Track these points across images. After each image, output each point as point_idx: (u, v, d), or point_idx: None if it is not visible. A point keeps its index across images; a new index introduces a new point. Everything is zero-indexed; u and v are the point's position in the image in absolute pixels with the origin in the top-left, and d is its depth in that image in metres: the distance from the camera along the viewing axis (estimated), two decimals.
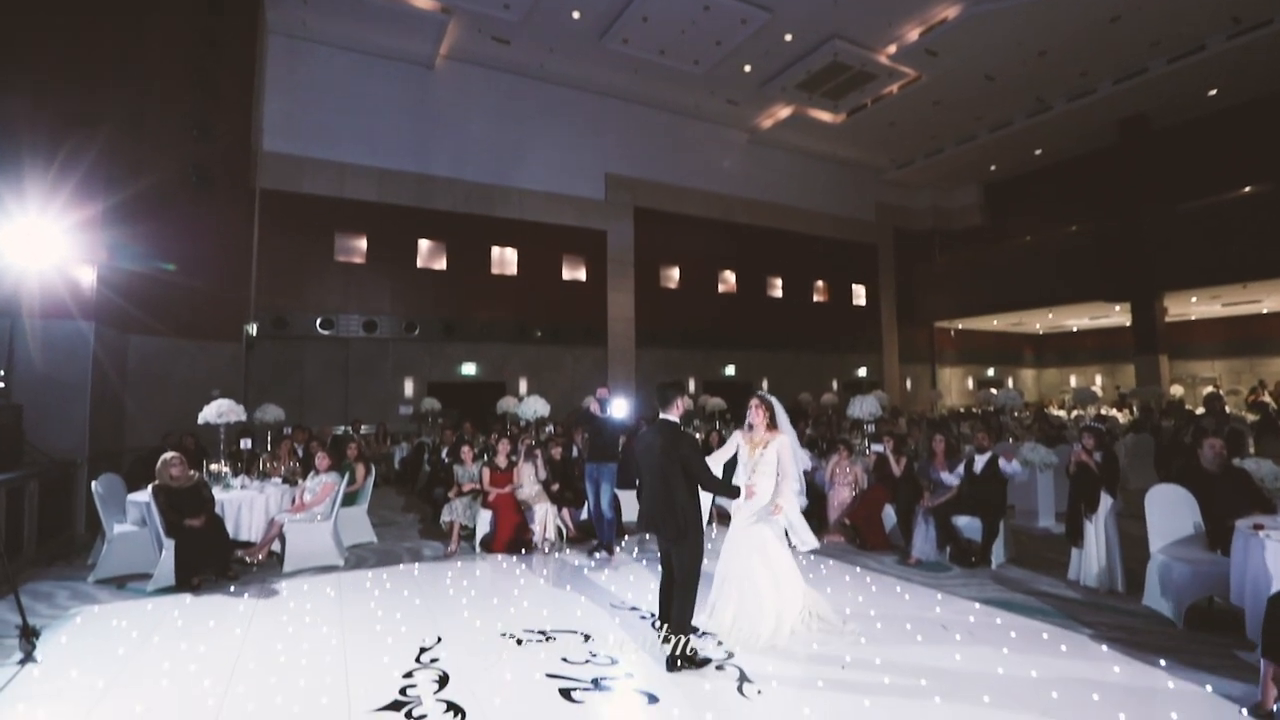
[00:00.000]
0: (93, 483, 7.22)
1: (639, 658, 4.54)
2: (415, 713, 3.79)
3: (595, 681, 4.17)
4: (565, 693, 4.03)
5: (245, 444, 8.47)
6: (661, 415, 4.59)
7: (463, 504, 7.91)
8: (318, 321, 15.63)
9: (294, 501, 7.60)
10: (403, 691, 4.06)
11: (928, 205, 26.61)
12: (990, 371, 28.43)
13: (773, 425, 5.12)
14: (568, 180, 18.67)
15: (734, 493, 4.79)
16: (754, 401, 5.24)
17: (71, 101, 9.74)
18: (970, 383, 27.63)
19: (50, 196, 9.11)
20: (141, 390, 11.27)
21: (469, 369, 17.29)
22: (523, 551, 7.53)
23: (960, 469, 7.09)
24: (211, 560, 6.64)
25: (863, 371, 24.46)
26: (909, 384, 25.64)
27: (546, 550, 7.64)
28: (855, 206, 24.69)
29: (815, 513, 8.30)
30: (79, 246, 9.51)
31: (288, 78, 15.64)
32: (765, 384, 21.38)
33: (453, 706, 3.86)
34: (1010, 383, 28.21)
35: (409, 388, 16.63)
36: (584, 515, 8.04)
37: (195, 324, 12.32)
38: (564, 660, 4.49)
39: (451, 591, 6.09)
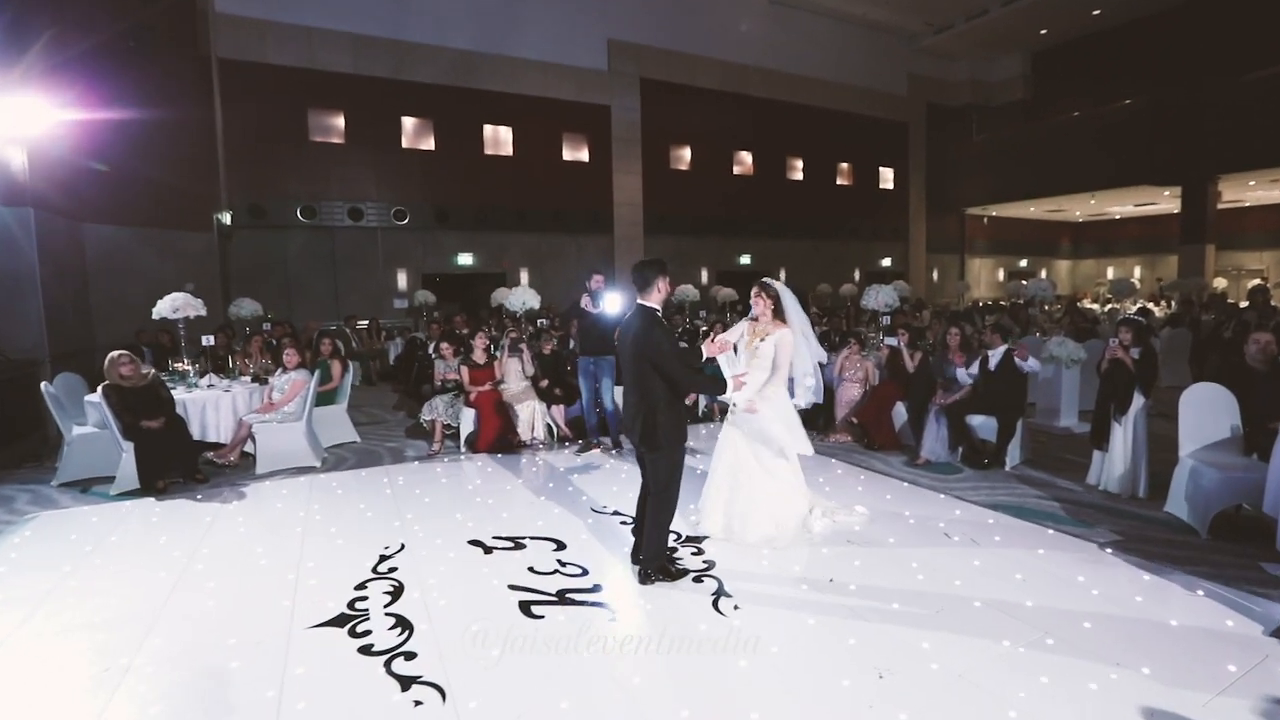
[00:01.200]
0: (43, 384, 6.73)
1: (611, 569, 4.13)
2: (359, 628, 3.45)
3: (560, 594, 3.80)
4: (525, 606, 3.65)
5: (207, 340, 7.96)
6: (639, 301, 3.90)
7: (444, 402, 7.37)
8: (298, 209, 14.79)
9: (264, 401, 7.12)
10: (351, 605, 3.71)
11: (965, 78, 24.37)
12: (1023, 263, 27.05)
13: (779, 316, 4.56)
14: (566, 49, 17.04)
15: (718, 388, 4.12)
16: (755, 289, 4.63)
17: None
18: (1001, 274, 26.35)
19: None
20: (106, 284, 10.64)
21: (465, 259, 16.50)
22: (510, 452, 7.04)
23: (975, 366, 6.37)
24: (175, 463, 6.27)
25: (887, 261, 23.25)
26: (935, 275, 24.45)
27: (536, 450, 7.14)
28: (885, 78, 22.58)
29: (823, 410, 7.70)
30: (5, 121, 8.66)
31: None
32: (783, 274, 20.34)
33: (401, 621, 3.51)
34: (1043, 274, 26.86)
35: (402, 280, 15.94)
36: (578, 413, 7.50)
37: (157, 212, 11.50)
38: (530, 570, 4.09)
39: (425, 496, 5.62)
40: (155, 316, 7.60)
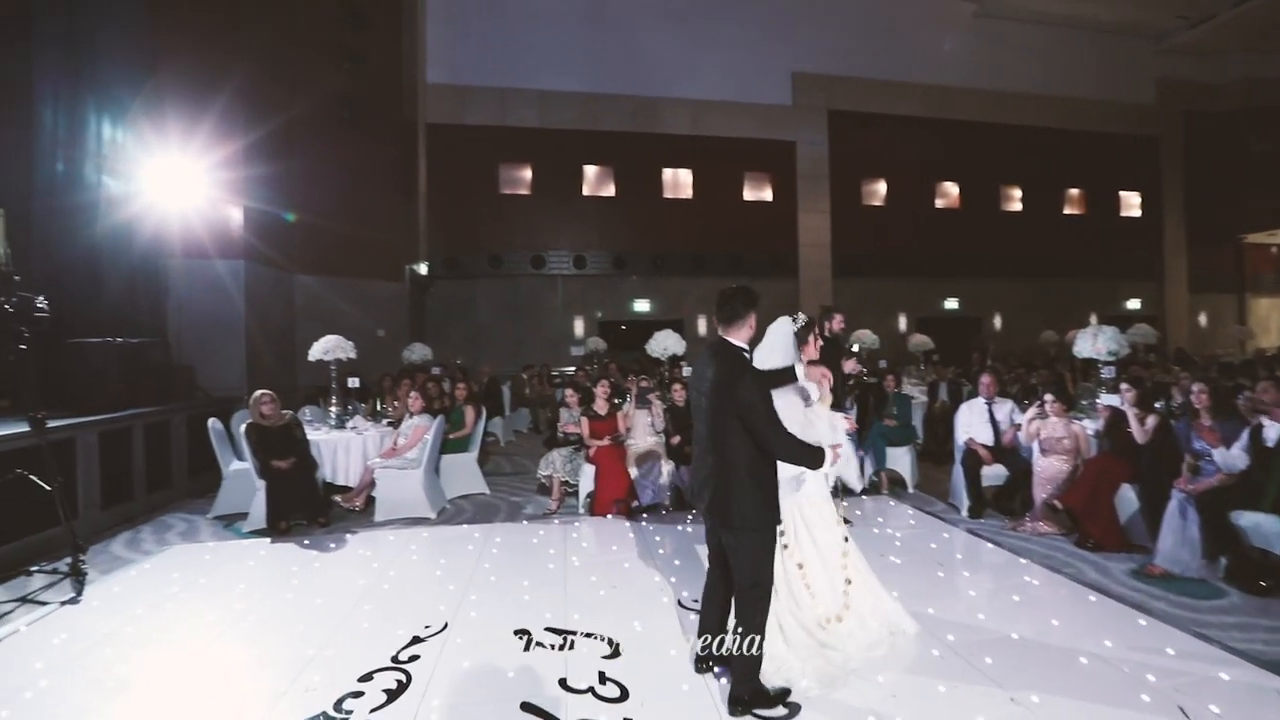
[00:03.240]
0: (210, 420, 7.14)
1: (661, 696, 3.14)
2: None
3: None
4: None
5: (353, 383, 8.15)
6: (721, 336, 3.04)
7: (562, 456, 6.77)
8: (486, 259, 15.48)
9: (391, 446, 7.02)
10: (339, 704, 3.13)
11: (1237, 77, 19.95)
12: None
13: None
14: (748, 86, 16.42)
15: (816, 458, 3.02)
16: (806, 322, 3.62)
17: (217, 38, 9.81)
18: None
19: (197, 136, 9.26)
20: (308, 329, 11.46)
21: (642, 305, 16.23)
22: (629, 517, 6.23)
23: (1244, 439, 4.50)
24: (300, 504, 6.33)
25: (1135, 304, 19.52)
26: (1204, 319, 20.15)
27: (658, 517, 6.26)
28: (1126, 87, 19.27)
29: (1018, 489, 6.07)
30: (226, 185, 9.67)
31: (447, 4, 15.24)
32: (998, 319, 17.83)
33: None
34: None
35: (580, 327, 16.01)
36: None
37: (355, 263, 12.43)
38: (560, 683, 3.24)
39: (506, 563, 5.01)
40: (310, 359, 7.90)
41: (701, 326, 16.09)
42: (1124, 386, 5.46)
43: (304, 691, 3.18)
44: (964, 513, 6.14)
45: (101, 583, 4.82)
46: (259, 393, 6.57)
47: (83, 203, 8.36)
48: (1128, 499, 5.25)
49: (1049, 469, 5.62)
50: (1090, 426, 5.93)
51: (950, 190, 18.08)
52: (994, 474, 6.24)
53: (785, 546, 3.39)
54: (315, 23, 12.03)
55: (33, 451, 5.02)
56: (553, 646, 3.61)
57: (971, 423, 6.38)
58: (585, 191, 16.10)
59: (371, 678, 3.33)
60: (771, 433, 2.84)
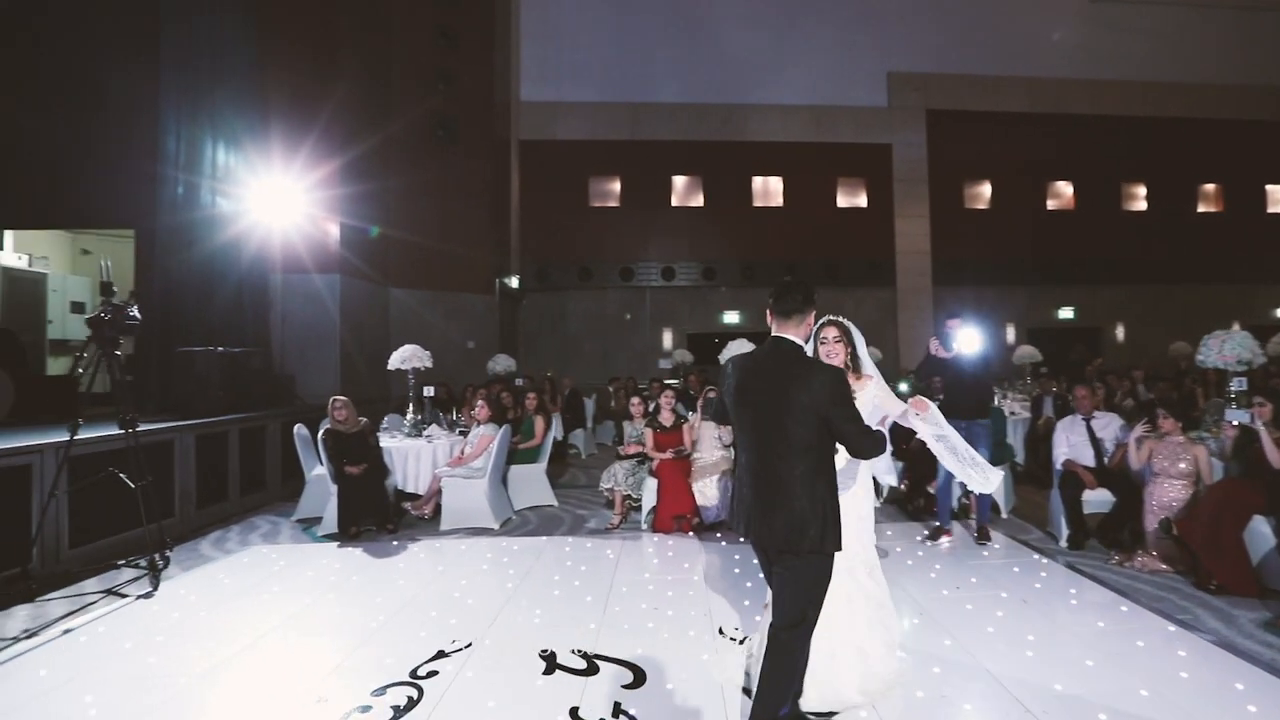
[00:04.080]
0: (296, 426, 7.43)
1: None
2: None
3: None
4: None
5: (428, 392, 8.31)
6: (776, 332, 2.68)
7: (624, 469, 6.60)
8: (576, 272, 15.62)
9: (459, 455, 7.09)
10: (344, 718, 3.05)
11: None
12: None
13: (855, 367, 3.36)
14: (840, 88, 15.91)
15: (883, 445, 2.63)
16: (824, 326, 3.34)
17: (317, 65, 10.34)
18: None
19: (298, 158, 9.80)
20: (402, 340, 11.88)
21: (731, 317, 15.94)
22: (694, 535, 5.98)
23: None
24: (370, 510, 6.45)
25: None
26: None
27: (717, 536, 5.93)
28: (1271, 67, 17.25)
29: (1125, 516, 5.39)
30: (324, 203, 10.17)
31: (540, 23, 15.57)
32: (1119, 330, 16.32)
33: None
34: None
35: (668, 339, 15.87)
36: None
37: (447, 276, 12.81)
38: (571, 713, 3.03)
39: (548, 579, 4.86)
40: (389, 368, 8.11)
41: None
42: (1257, 401, 4.75)
43: (316, 703, 3.12)
44: (1063, 542, 5.51)
45: (178, 579, 5.03)
46: (334, 398, 6.76)
47: (197, 222, 9.00)
48: (1260, 534, 4.54)
49: (1163, 496, 4.96)
50: (1215, 447, 5.20)
51: (1063, 190, 16.78)
52: (1099, 500, 5.57)
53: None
54: (410, 46, 12.57)
55: (129, 452, 5.34)
56: (574, 671, 3.40)
57: (1070, 442, 5.75)
58: (674, 202, 16.02)
59: (385, 692, 3.24)
60: (857, 429, 2.51)
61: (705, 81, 15.68)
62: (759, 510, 2.57)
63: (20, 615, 4.30)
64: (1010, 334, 16.02)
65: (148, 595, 4.64)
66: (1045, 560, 5.14)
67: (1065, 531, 5.52)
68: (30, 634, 3.99)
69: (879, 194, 16.12)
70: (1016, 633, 3.81)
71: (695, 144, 15.74)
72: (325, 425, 6.69)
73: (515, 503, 7.22)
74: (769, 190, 16.04)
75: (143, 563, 4.94)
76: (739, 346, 8.35)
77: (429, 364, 8.05)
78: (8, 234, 10.52)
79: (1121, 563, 4.98)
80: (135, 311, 5.37)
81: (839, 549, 2.55)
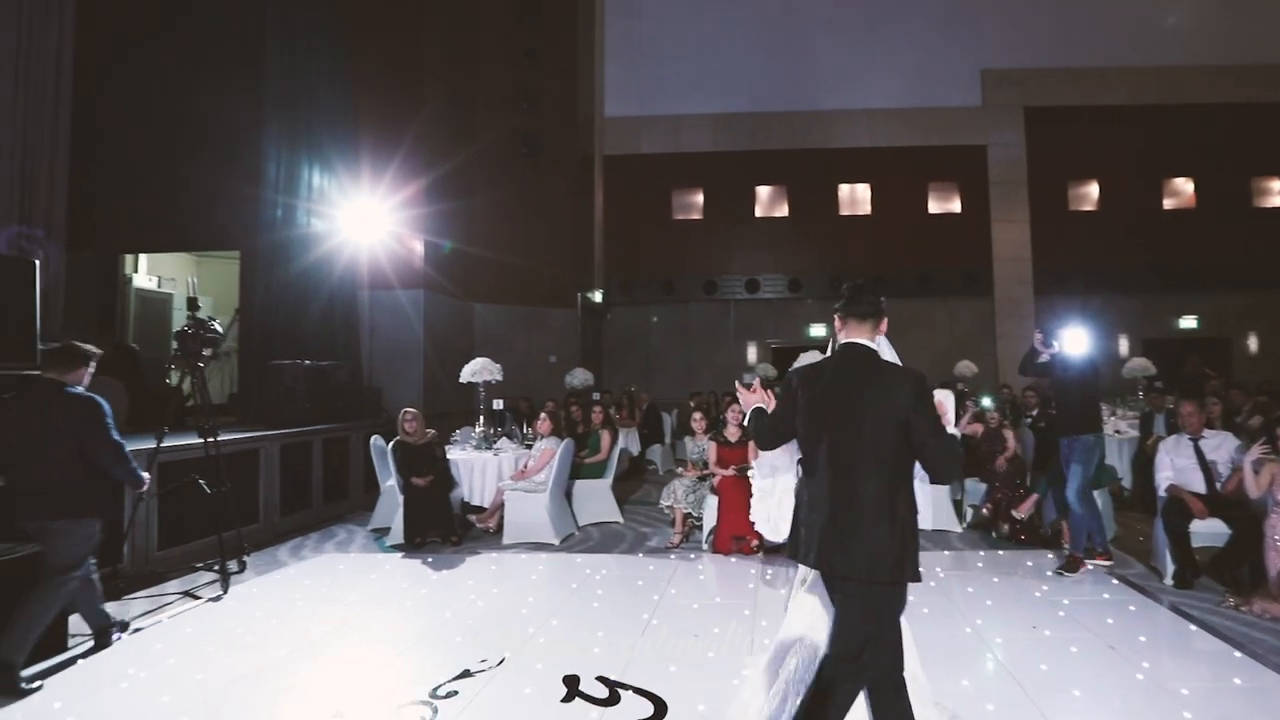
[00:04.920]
0: (373, 437, 7.67)
1: None
2: None
3: None
4: None
5: (498, 405, 8.41)
6: (848, 338, 2.47)
7: (684, 486, 6.42)
8: (659, 286, 15.58)
9: (522, 468, 7.12)
10: None
11: None
12: None
13: None
14: (930, 89, 15.19)
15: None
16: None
17: (404, 88, 10.75)
18: None
19: (385, 178, 10.22)
20: (487, 354, 12.16)
21: (818, 330, 15.44)
22: (755, 556, 5.74)
23: None
24: (435, 521, 6.55)
25: None
26: None
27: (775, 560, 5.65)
28: None
29: (1244, 552, 4.77)
30: (409, 221, 10.55)
31: (624, 39, 15.71)
32: (1252, 340, 14.72)
33: None
34: None
35: (752, 353, 15.57)
36: None
37: (530, 291, 13.03)
38: None
39: (592, 600, 4.77)
40: (461, 381, 8.28)
41: (883, 353, 14.96)
42: None
43: (332, 717, 3.13)
44: (1167, 579, 4.91)
45: (248, 584, 5.25)
46: (404, 410, 6.93)
47: (293, 241, 9.53)
48: None
49: None
50: None
51: (1183, 188, 15.30)
52: (1212, 532, 4.93)
53: None
54: (494, 68, 12.95)
55: (216, 461, 5.64)
56: (593, 700, 3.24)
57: (1176, 464, 5.15)
58: (758, 213, 15.77)
59: (401, 711, 3.20)
60: (940, 444, 2.27)
61: (789, 89, 15.36)
62: (832, 534, 2.28)
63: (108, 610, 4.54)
64: (1123, 345, 14.73)
65: (217, 599, 4.86)
66: (1144, 599, 4.60)
67: (1170, 567, 4.94)
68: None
69: (974, 198, 15.25)
70: (1099, 684, 3.38)
71: (779, 153, 15.44)
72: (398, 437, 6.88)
73: (580, 518, 7.18)
74: (856, 198, 15.51)
75: (230, 565, 5.24)
76: (809, 358, 8.07)
77: (499, 377, 8.16)
78: (142, 258, 11.49)
79: (1238, 606, 4.39)
80: (217, 326, 5.71)
81: (917, 579, 2.27)
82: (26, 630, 3.44)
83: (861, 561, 2.22)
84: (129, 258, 11.05)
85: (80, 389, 3.81)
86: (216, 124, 9.85)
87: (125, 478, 3.92)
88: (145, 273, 11.49)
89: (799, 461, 2.54)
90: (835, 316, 2.52)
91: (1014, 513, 6.06)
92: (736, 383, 3.28)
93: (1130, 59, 15.12)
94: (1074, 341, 5.19)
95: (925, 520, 2.71)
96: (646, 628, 4.20)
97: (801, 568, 2.73)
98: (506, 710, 3.21)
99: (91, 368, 3.95)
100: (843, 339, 2.47)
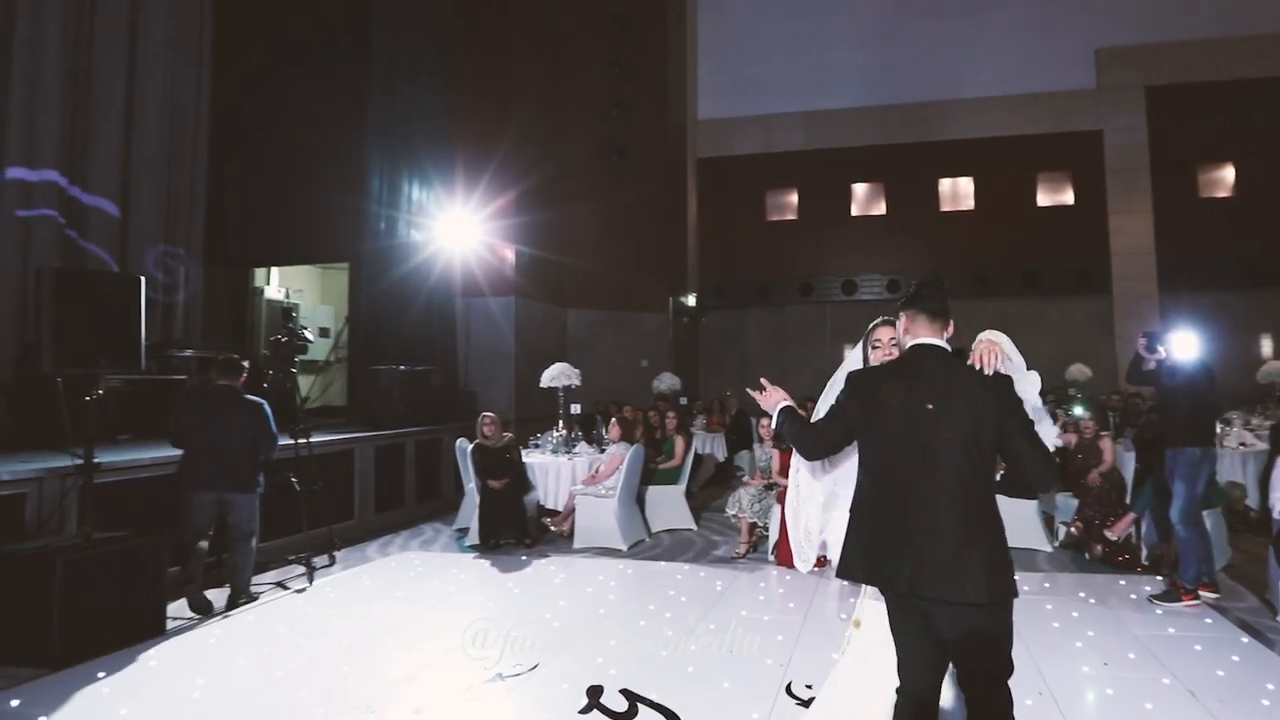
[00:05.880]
0: (458, 440, 8.03)
1: None
2: None
3: None
4: None
5: (575, 409, 8.58)
6: (917, 338, 2.27)
7: (750, 495, 6.31)
8: (753, 289, 15.41)
9: (593, 473, 7.25)
10: None
11: None
12: None
13: None
14: (1037, 74, 14.16)
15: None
16: (887, 333, 2.64)
17: (497, 101, 11.12)
18: None
19: (478, 189, 10.64)
20: (576, 359, 12.22)
21: None
22: (820, 567, 5.58)
23: None
24: (509, 524, 6.73)
25: None
26: None
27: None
28: None
29: None
30: (501, 230, 10.93)
31: (716, 41, 15.64)
32: None
33: None
34: None
35: (858, 357, 15.10)
36: None
37: (622, 296, 13.19)
38: None
39: (651, 607, 4.79)
40: (541, 385, 8.52)
41: None
42: None
43: (366, 713, 3.29)
44: None
45: (332, 578, 5.62)
46: (483, 414, 7.22)
47: (395, 250, 10.11)
48: None
49: None
50: None
51: None
52: None
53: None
54: (585, 77, 13.18)
55: (308, 461, 6.11)
56: (611, 713, 3.26)
57: None
58: (854, 212, 15.31)
59: (421, 710, 3.33)
60: (1035, 451, 2.12)
61: (884, 81, 14.78)
62: (960, 548, 2.05)
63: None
64: (1265, 346, 13.25)
65: (301, 591, 5.23)
66: (1249, 640, 4.09)
67: None
68: (195, 619, 4.63)
69: (1088, 189, 14.12)
70: None
71: (875, 148, 14.90)
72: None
73: (653, 524, 7.21)
74: (958, 193, 14.76)
75: (320, 560, 5.70)
76: (853, 361, 7.74)
77: (577, 382, 8.36)
78: (273, 270, 12.50)
79: None
80: (308, 334, 6.20)
81: (1015, 593, 2.11)
82: (245, 572, 4.90)
83: (947, 577, 2.02)
84: (259, 270, 12.02)
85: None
86: (329, 145, 10.55)
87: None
88: (276, 285, 12.47)
89: (860, 473, 2.32)
90: (901, 315, 2.34)
91: (1106, 533, 5.65)
92: (746, 389, 3.06)
93: (1265, 24, 13.50)
94: (1182, 346, 4.76)
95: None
96: (687, 640, 4.17)
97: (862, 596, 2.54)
98: (529, 717, 3.30)
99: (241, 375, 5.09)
100: (910, 340, 2.29)
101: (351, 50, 10.34)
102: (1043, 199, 14.42)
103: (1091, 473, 6.02)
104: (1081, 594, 4.97)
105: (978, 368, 2.18)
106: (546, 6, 12.50)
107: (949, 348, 2.26)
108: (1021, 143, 14.24)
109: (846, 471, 2.52)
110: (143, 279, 4.93)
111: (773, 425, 2.58)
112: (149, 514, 5.00)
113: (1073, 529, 5.98)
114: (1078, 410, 6.69)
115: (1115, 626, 4.37)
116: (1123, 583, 5.18)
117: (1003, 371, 2.22)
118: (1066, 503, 6.35)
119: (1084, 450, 6.25)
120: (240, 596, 4.87)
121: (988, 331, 2.30)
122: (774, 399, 2.62)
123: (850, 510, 2.31)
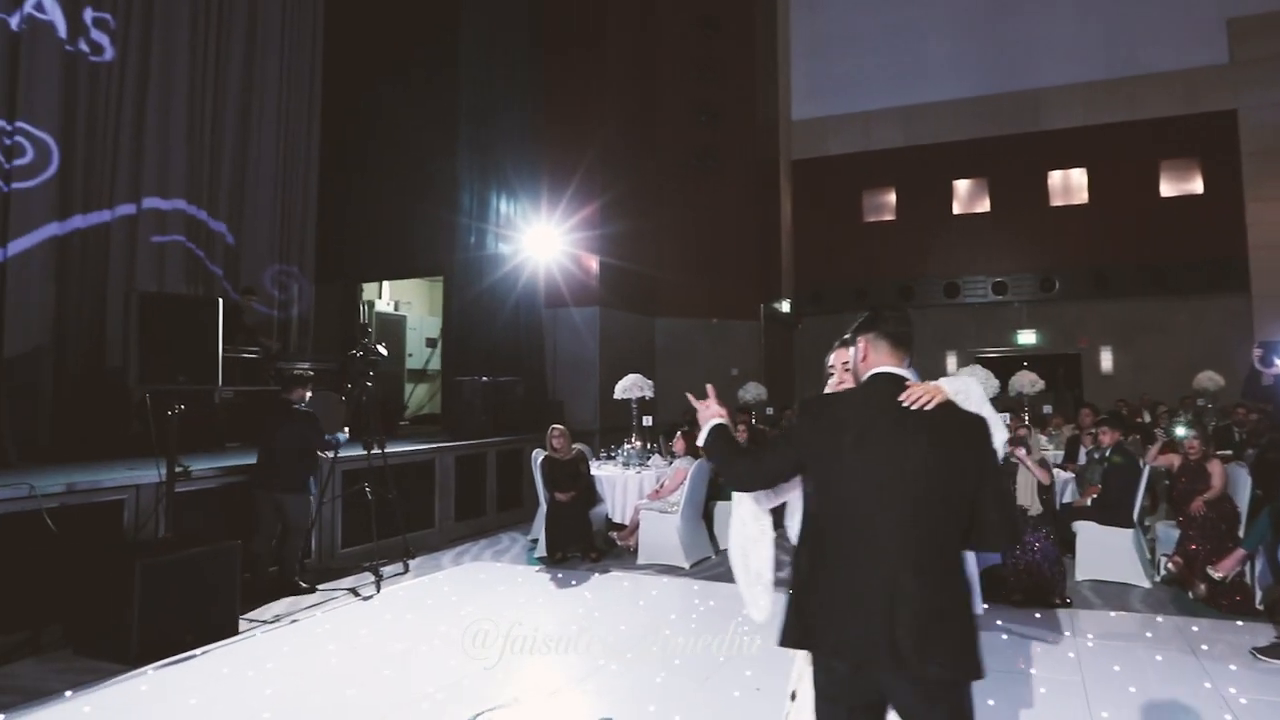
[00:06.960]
0: (535, 451, 8.20)
1: None
2: None
3: None
4: None
5: (646, 421, 8.56)
6: (881, 366, 2.02)
7: None
8: (850, 293, 14.92)
9: (658, 487, 7.21)
10: None
11: None
12: None
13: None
14: (1159, 52, 12.97)
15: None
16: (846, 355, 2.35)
17: (583, 114, 11.33)
18: None
19: (563, 201, 10.89)
20: (667, 368, 12.34)
21: (1027, 337, 13.89)
22: None
23: None
24: (574, 537, 6.75)
25: None
26: None
27: None
28: None
29: None
30: (586, 242, 11.12)
31: (808, 39, 15.25)
32: None
33: None
34: None
35: (951, 363, 14.36)
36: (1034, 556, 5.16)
37: (712, 304, 13.07)
38: None
39: (692, 628, 4.71)
40: (615, 397, 8.57)
41: (1106, 361, 13.17)
42: None
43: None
44: None
45: (400, 586, 5.84)
46: (552, 427, 7.24)
47: (484, 262, 10.45)
48: None
49: None
50: None
51: None
52: None
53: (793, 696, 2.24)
54: (672, 83, 13.10)
55: (382, 470, 6.44)
56: None
57: None
58: (956, 210, 14.56)
59: None
60: (1003, 514, 1.89)
61: (986, 71, 13.96)
62: (930, 614, 1.78)
63: (282, 604, 5.30)
64: None
65: (368, 599, 5.47)
66: None
67: None
68: (267, 622, 4.91)
69: (1220, 175, 12.77)
70: None
71: (977, 142, 14.09)
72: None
73: (721, 541, 7.02)
74: (1070, 185, 13.71)
75: (390, 569, 6.02)
76: (1020, 378, 7.27)
77: (650, 394, 8.36)
78: (385, 284, 13.22)
79: None
80: (382, 350, 6.57)
81: (980, 675, 1.80)
82: (292, 561, 5.56)
83: (931, 649, 1.74)
84: (369, 285, 12.74)
85: (303, 405, 5.61)
86: (424, 164, 11.01)
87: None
88: (386, 297, 13.18)
89: (804, 520, 2.02)
90: (859, 339, 2.08)
91: (1210, 570, 5.09)
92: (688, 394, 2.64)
93: None
94: None
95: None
96: (713, 673, 4.04)
97: (799, 664, 2.22)
98: None
99: (308, 388, 5.72)
100: (867, 370, 2.03)
101: (443, 71, 10.74)
102: (1167, 188, 13.18)
103: (1196, 500, 5.44)
104: (1171, 640, 4.45)
105: (905, 405, 1.91)
106: (638, 21, 12.56)
107: (912, 378, 2.00)
108: (1141, 128, 13.08)
109: (795, 505, 2.22)
110: (220, 300, 5.41)
111: (700, 440, 2.23)
112: (241, 518, 5.45)
113: (1170, 565, 5.44)
114: (1180, 430, 6.04)
115: (1202, 683, 3.82)
116: (1226, 631, 4.65)
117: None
118: (1168, 532, 5.77)
119: (1188, 474, 5.65)
120: (288, 585, 5.46)
121: (966, 369, 2.12)
122: (711, 411, 2.26)
123: (791, 562, 2.01)
